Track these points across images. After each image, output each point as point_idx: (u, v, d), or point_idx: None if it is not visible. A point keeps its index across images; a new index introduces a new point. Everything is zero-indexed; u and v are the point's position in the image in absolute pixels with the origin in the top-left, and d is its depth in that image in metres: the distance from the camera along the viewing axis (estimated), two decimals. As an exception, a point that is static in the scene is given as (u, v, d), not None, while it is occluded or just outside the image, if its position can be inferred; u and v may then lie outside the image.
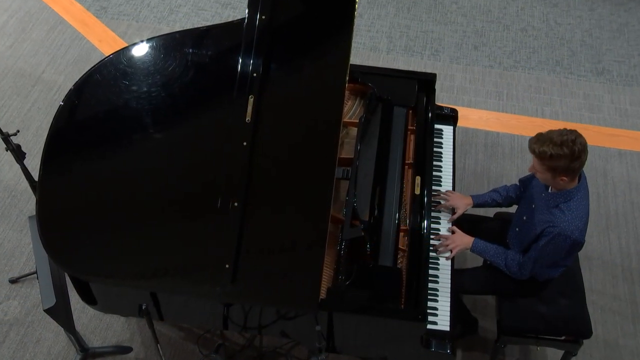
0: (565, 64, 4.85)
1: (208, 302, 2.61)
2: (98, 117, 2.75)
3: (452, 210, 3.04)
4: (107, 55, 2.88)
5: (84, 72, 2.82)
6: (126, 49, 2.84)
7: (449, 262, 2.87)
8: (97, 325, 3.41)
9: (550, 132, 2.53)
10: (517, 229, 2.92)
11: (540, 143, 2.51)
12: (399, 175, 2.96)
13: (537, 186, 2.79)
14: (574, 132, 2.52)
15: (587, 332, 2.94)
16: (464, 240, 2.90)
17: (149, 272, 2.52)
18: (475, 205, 3.06)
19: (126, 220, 2.58)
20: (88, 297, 2.73)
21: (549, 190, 2.70)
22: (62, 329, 3.14)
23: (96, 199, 2.61)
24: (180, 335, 3.38)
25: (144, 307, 2.66)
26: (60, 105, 2.77)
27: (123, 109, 2.73)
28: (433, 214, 3.01)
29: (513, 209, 3.11)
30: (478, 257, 3.46)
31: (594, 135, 4.37)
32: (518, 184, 3.08)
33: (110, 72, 2.79)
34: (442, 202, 3.05)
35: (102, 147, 2.70)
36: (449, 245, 2.88)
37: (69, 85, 3.13)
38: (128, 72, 2.78)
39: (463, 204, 3.02)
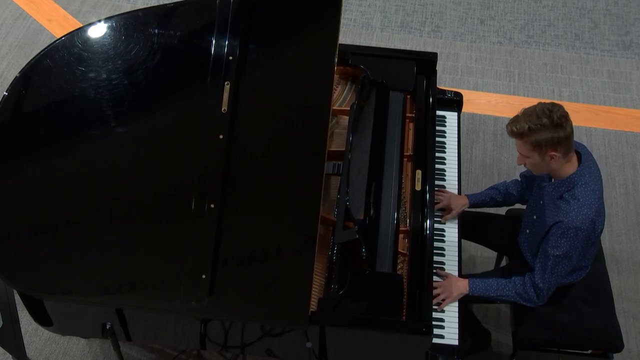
0: (586, 37, 4.91)
1: (182, 319, 2.66)
2: (50, 109, 2.77)
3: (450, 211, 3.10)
4: (58, 37, 2.90)
5: (32, 56, 2.85)
6: (81, 30, 2.86)
7: (456, 267, 2.94)
8: (53, 350, 3.44)
9: (525, 108, 2.68)
10: (527, 231, 2.98)
11: (515, 121, 2.65)
12: (397, 170, 3.02)
13: (542, 179, 2.86)
14: (550, 103, 2.64)
15: (617, 345, 2.98)
16: (458, 285, 2.87)
17: (114, 286, 2.56)
18: (472, 206, 3.12)
19: (85, 227, 2.62)
20: (42, 318, 2.77)
21: (552, 180, 2.78)
22: (11, 356, 3.17)
23: (50, 204, 2.65)
24: (150, 357, 3.42)
25: (108, 327, 2.70)
26: (4, 95, 2.79)
27: (79, 100, 2.76)
28: (437, 212, 3.07)
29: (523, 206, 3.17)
30: (488, 260, 3.53)
31: (621, 119, 4.43)
32: (519, 179, 3.13)
33: (63, 56, 2.81)
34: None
35: (56, 144, 2.73)
36: (441, 296, 2.86)
37: (14, 72, 3.18)
38: (84, 57, 2.81)
39: (458, 204, 3.08)
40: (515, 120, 2.67)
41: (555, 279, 2.79)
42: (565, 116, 2.62)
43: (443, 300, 2.85)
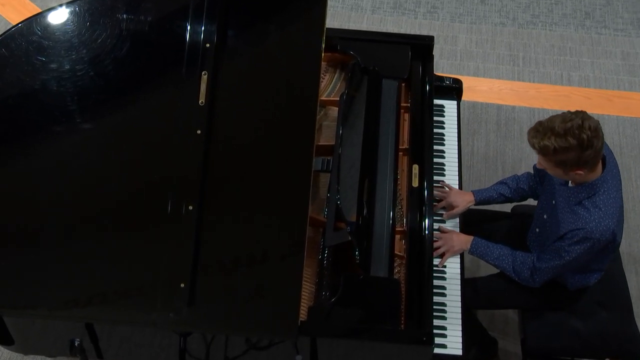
0: (597, 16, 4.94)
1: (160, 332, 2.69)
2: (7, 104, 2.79)
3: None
4: (14, 23, 2.92)
5: (-16, 46, 2.87)
6: (40, 16, 2.88)
7: (458, 269, 2.98)
8: (15, 371, 3.48)
9: (552, 119, 2.61)
10: (537, 230, 3.02)
11: (540, 136, 2.60)
12: (392, 165, 3.06)
13: (556, 178, 2.86)
14: (579, 114, 2.60)
15: (637, 352, 3.03)
16: (460, 240, 2.99)
17: (83, 299, 2.57)
18: (478, 203, 3.15)
19: (50, 234, 2.64)
20: (1, 336, 2.79)
21: (569, 184, 2.79)
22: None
23: (9, 209, 2.67)
24: (123, 378, 3.45)
25: (77, 343, 2.72)
26: (-46, 89, 2.79)
27: (40, 93, 2.78)
28: (437, 211, 3.12)
29: (535, 201, 3.20)
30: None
31: (637, 105, 4.46)
32: (533, 172, 3.16)
33: (21, 45, 2.83)
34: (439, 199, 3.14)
35: (14, 143, 2.75)
36: (441, 248, 2.97)
37: (-34, 64, 3.18)
38: (44, 46, 2.83)
39: (463, 201, 3.12)
40: (538, 132, 2.61)
41: (557, 274, 2.89)
42: (596, 133, 2.57)
43: (443, 255, 2.94)
